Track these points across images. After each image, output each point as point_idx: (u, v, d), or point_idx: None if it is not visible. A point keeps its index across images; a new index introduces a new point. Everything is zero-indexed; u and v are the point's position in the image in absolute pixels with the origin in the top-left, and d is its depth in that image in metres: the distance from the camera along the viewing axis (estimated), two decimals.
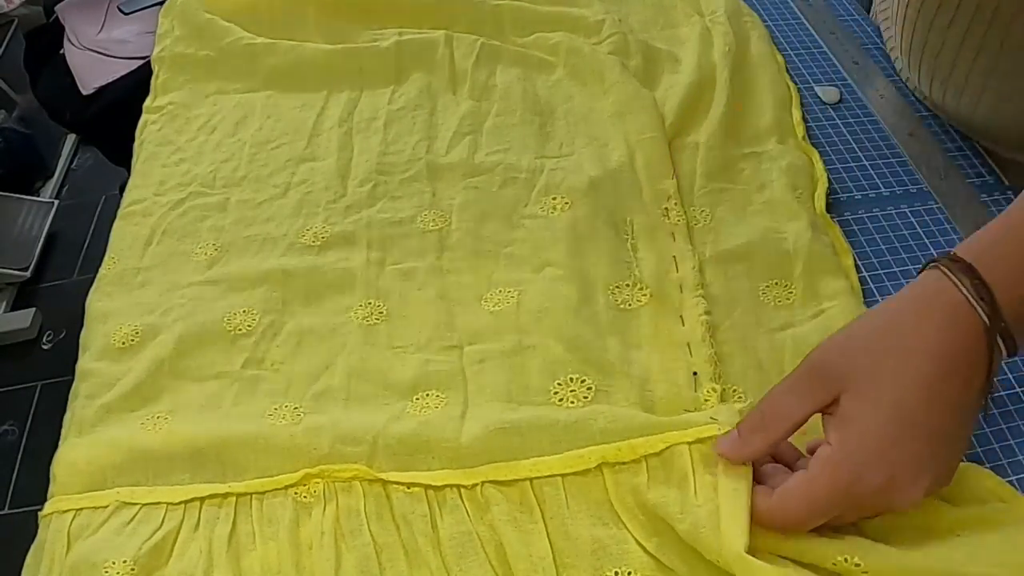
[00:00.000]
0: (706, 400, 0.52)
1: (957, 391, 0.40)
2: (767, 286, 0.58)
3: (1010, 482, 0.49)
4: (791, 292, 0.58)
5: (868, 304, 0.59)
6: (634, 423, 0.49)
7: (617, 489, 0.47)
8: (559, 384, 0.54)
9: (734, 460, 0.43)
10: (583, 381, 0.54)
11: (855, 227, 0.64)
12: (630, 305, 0.58)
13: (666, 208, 0.64)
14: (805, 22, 0.85)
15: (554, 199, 0.66)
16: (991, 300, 0.39)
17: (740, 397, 0.53)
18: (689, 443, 0.47)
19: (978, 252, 0.41)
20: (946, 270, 0.41)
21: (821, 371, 0.41)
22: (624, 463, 0.47)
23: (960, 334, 0.40)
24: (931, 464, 0.40)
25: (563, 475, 0.48)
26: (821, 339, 0.51)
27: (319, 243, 0.65)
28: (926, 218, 0.65)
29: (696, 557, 0.44)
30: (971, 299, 0.40)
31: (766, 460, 0.45)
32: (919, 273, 0.43)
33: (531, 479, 0.48)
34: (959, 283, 0.40)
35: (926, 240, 0.63)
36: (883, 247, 0.63)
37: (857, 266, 0.61)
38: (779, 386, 0.43)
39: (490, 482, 0.49)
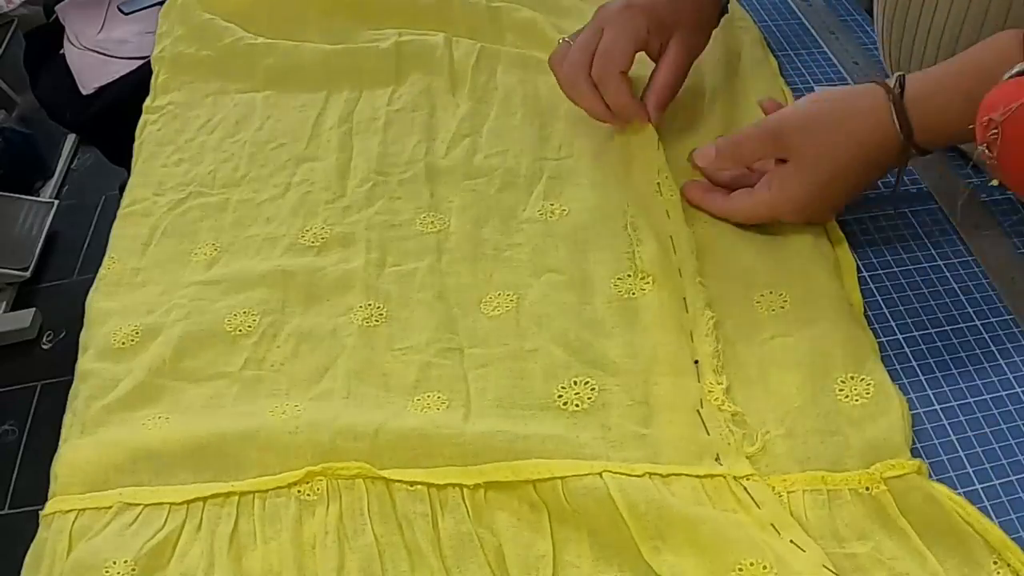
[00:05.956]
0: (710, 392, 0.53)
1: (869, 174, 0.60)
2: (762, 295, 0.58)
3: (1010, 482, 0.49)
4: (785, 300, 0.58)
5: (867, 302, 0.59)
6: (642, 447, 0.50)
7: (621, 493, 0.47)
8: (563, 387, 0.54)
9: (708, 167, 0.63)
10: (587, 383, 0.54)
11: (855, 227, 0.64)
12: (632, 294, 0.59)
13: (658, 184, 0.64)
14: (805, 22, 0.85)
15: (552, 205, 0.66)
16: (909, 132, 0.56)
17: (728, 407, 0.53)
18: (699, 477, 0.48)
19: (916, 93, 0.56)
20: (887, 97, 0.56)
21: (781, 135, 0.59)
22: (627, 475, 0.48)
23: (883, 141, 0.57)
24: (829, 213, 0.62)
25: (563, 478, 0.48)
26: (810, 350, 0.54)
27: (318, 244, 0.65)
28: (926, 218, 0.65)
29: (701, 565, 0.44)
30: (897, 128, 0.56)
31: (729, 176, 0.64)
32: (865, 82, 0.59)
33: (533, 481, 0.48)
34: (893, 113, 0.56)
35: (926, 240, 0.63)
36: (883, 247, 0.63)
37: (858, 266, 0.61)
38: (749, 131, 0.61)
39: (492, 483, 0.49)
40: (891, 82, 0.57)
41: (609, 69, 0.65)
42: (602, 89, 0.66)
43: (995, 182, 0.49)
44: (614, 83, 0.65)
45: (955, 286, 0.60)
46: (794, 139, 0.58)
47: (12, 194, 1.96)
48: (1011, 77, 0.48)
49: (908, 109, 0.56)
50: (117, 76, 1.52)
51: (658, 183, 0.64)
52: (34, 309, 1.82)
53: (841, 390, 0.52)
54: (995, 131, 0.46)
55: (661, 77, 0.67)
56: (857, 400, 0.51)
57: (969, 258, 0.61)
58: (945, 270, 0.61)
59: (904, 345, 0.57)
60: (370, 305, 0.60)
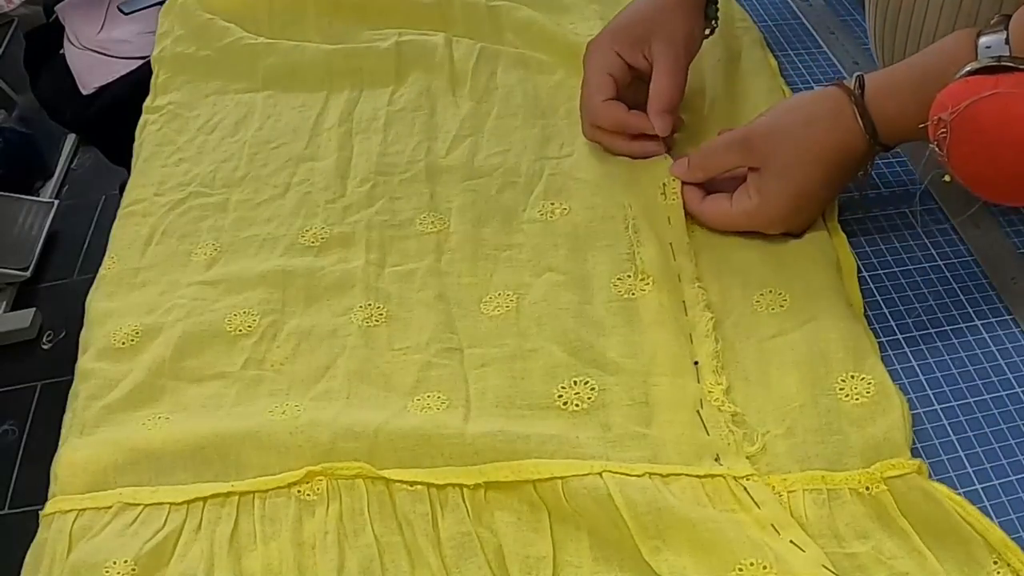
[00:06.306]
0: (710, 392, 0.53)
1: (840, 176, 0.60)
2: (762, 295, 0.58)
3: (1010, 482, 0.49)
4: (784, 299, 0.58)
5: (867, 302, 0.59)
6: (641, 447, 0.50)
7: (621, 493, 0.47)
8: (563, 387, 0.54)
9: (683, 179, 0.63)
10: (587, 383, 0.54)
11: (855, 227, 0.64)
12: (632, 294, 0.59)
13: (663, 184, 0.64)
14: (805, 22, 0.85)
15: (552, 204, 0.66)
16: (873, 131, 0.57)
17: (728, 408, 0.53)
18: (698, 477, 0.48)
19: (875, 92, 0.57)
20: (849, 98, 0.57)
21: (749, 144, 0.60)
22: (627, 475, 0.48)
23: (850, 141, 0.58)
24: (808, 221, 0.61)
25: (563, 478, 0.48)
26: (810, 349, 0.54)
27: (318, 244, 0.65)
28: (926, 218, 0.65)
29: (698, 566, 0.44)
30: (861, 128, 0.57)
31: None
32: (831, 84, 0.60)
33: (533, 481, 0.48)
34: (856, 113, 0.57)
35: (926, 240, 0.63)
36: (883, 247, 0.63)
37: (858, 266, 0.61)
38: (720, 140, 0.62)
39: (492, 483, 0.49)
40: (851, 83, 0.58)
41: (592, 103, 0.67)
42: (597, 124, 0.68)
43: (948, 178, 0.50)
44: (602, 111, 0.67)
45: (955, 286, 0.60)
46: (762, 147, 0.59)
47: (12, 194, 1.96)
48: (961, 77, 0.48)
49: (869, 108, 0.57)
50: (117, 76, 1.52)
51: (663, 183, 0.64)
52: (34, 309, 1.82)
53: (841, 389, 0.52)
54: (944, 130, 0.47)
55: (655, 85, 0.66)
56: (857, 399, 0.51)
57: (969, 258, 0.61)
58: (945, 270, 0.61)
59: (904, 345, 0.57)
60: (370, 305, 0.60)
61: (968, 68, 0.49)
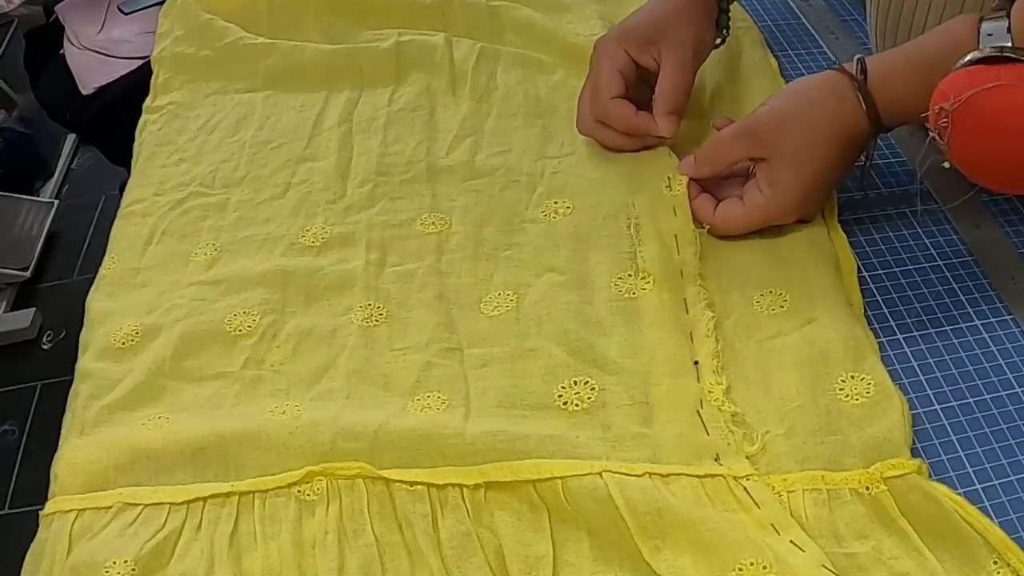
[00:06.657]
0: (710, 392, 0.53)
1: (847, 158, 0.61)
2: (762, 295, 0.58)
3: (1010, 482, 0.49)
4: (784, 299, 0.58)
5: (867, 302, 0.59)
6: (641, 447, 0.50)
7: (621, 493, 0.47)
8: (563, 387, 0.54)
9: (691, 176, 0.63)
10: (587, 383, 0.54)
11: (855, 227, 0.64)
12: (633, 293, 0.59)
13: (669, 178, 0.64)
14: (805, 22, 0.85)
15: (556, 203, 0.66)
16: (876, 115, 0.58)
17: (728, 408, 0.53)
18: (698, 477, 0.48)
19: (876, 77, 0.58)
20: (851, 83, 0.58)
21: (757, 133, 0.60)
22: (627, 475, 0.48)
23: (856, 122, 0.59)
24: (818, 206, 0.62)
25: (563, 478, 0.48)
26: (810, 349, 0.54)
27: (318, 244, 0.65)
28: (926, 218, 0.65)
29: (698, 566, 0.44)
30: (863, 109, 0.58)
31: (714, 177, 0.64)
32: (830, 68, 0.61)
33: (533, 481, 0.48)
34: (859, 98, 0.58)
35: (926, 240, 0.63)
36: (883, 247, 0.63)
37: (858, 266, 0.61)
38: (726, 133, 0.61)
39: (492, 483, 0.49)
40: (852, 67, 0.59)
41: (602, 100, 0.67)
42: (606, 120, 0.68)
43: (947, 164, 0.50)
44: (612, 109, 0.67)
45: (955, 286, 0.60)
46: (769, 136, 0.59)
47: (12, 194, 1.96)
48: (962, 66, 0.49)
49: (872, 93, 0.58)
50: (117, 76, 1.52)
51: (669, 177, 0.64)
52: (34, 309, 1.82)
53: (841, 389, 0.52)
54: (946, 120, 0.48)
55: (661, 85, 0.67)
56: (857, 399, 0.51)
57: (969, 258, 0.61)
58: (945, 270, 0.61)
59: (904, 345, 0.57)
60: (370, 305, 0.60)
61: (970, 57, 0.49)
